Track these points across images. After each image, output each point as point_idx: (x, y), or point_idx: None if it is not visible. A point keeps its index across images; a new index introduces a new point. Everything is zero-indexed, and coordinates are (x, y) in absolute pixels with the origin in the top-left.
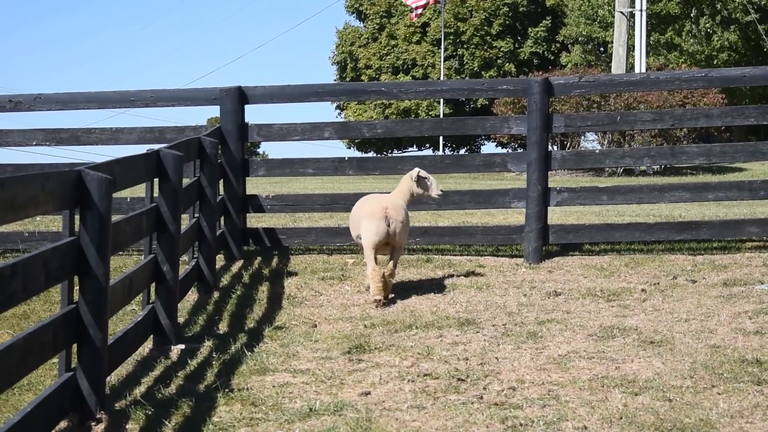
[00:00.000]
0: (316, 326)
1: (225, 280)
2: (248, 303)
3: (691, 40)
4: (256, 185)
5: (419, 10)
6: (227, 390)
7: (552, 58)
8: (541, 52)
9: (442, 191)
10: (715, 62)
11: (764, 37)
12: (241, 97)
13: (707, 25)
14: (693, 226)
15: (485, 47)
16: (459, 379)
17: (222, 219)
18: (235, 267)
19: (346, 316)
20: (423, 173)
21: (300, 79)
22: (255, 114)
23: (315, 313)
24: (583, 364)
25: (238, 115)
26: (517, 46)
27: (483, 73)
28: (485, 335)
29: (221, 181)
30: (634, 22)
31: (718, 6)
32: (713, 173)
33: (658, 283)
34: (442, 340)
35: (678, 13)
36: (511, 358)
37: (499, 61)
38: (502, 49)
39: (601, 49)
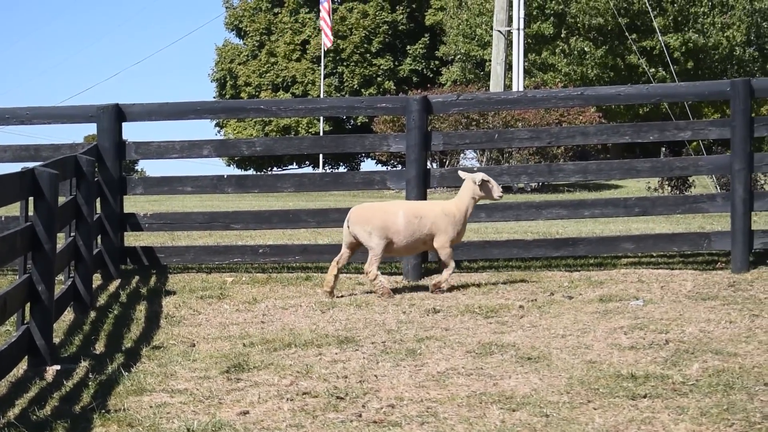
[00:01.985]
0: (194, 345)
1: (102, 300)
2: (126, 322)
3: (565, 60)
4: (134, 203)
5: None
6: (103, 411)
7: (431, 75)
8: (420, 69)
9: (502, 194)
10: (589, 81)
11: (638, 55)
12: (118, 114)
13: (579, 44)
14: (570, 243)
15: (365, 65)
16: (338, 397)
17: (99, 238)
18: (113, 286)
19: (224, 335)
20: (486, 177)
21: (179, 97)
22: (133, 131)
23: (193, 332)
24: (462, 380)
25: (116, 132)
26: (396, 63)
27: (363, 90)
28: (364, 353)
29: (98, 200)
30: (511, 41)
31: (592, 23)
32: (590, 190)
33: (536, 300)
34: (322, 358)
35: (552, 33)
36: (390, 376)
37: (378, 78)
38: (381, 67)
39: (480, 67)
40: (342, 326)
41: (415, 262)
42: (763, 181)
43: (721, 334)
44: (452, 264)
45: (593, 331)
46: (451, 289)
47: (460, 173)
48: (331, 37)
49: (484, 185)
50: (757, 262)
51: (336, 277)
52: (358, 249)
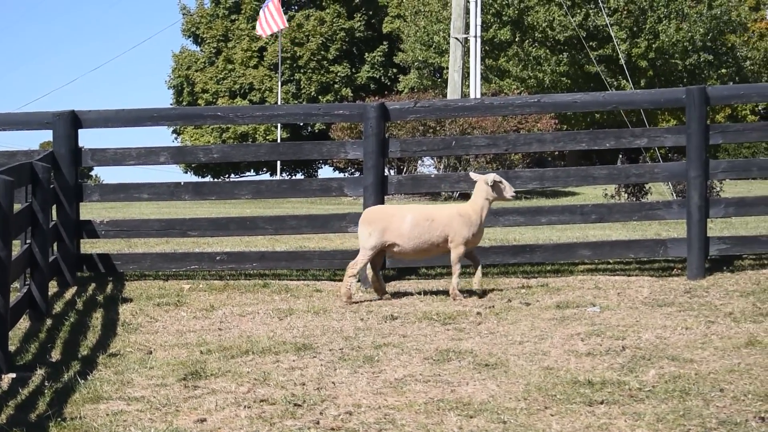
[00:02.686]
0: (151, 353)
1: (58, 307)
2: (82, 330)
3: (522, 67)
4: (90, 210)
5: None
6: (60, 419)
7: (389, 83)
8: (377, 76)
9: (515, 193)
10: (545, 88)
11: (594, 62)
12: (74, 121)
13: (535, 51)
14: (527, 250)
15: (322, 72)
16: (295, 404)
17: (55, 245)
18: (69, 294)
19: (181, 342)
20: (498, 177)
21: (136, 103)
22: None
23: (150, 340)
24: (419, 387)
25: (72, 139)
26: (354, 70)
27: (320, 97)
28: (322, 360)
29: (54, 207)
30: (468, 48)
31: (548, 32)
32: (547, 197)
33: (493, 306)
34: (279, 366)
35: (509, 39)
36: (347, 383)
37: (336, 85)
38: (339, 74)
39: (437, 74)
40: (300, 333)
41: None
42: (718, 189)
43: (677, 341)
44: (459, 268)
45: (550, 338)
46: (408, 295)
47: (472, 175)
48: (267, 30)
49: (496, 186)
50: (713, 268)
51: (376, 279)
52: (390, 249)
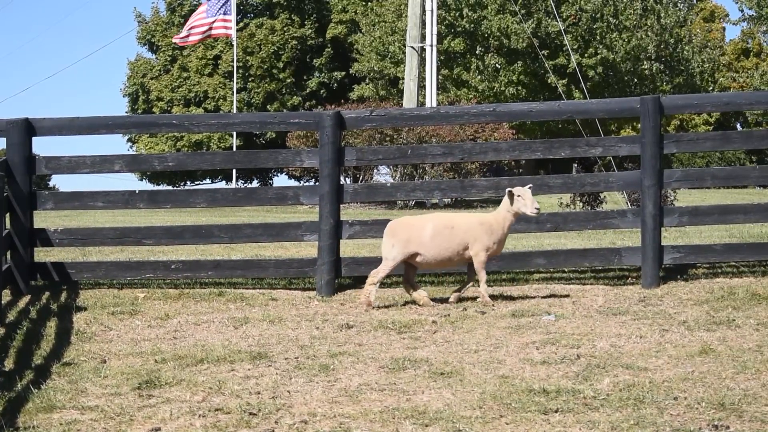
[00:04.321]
0: (105, 362)
1: (11, 316)
2: (35, 339)
3: (479, 77)
4: (44, 218)
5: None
6: (12, 429)
7: (342, 91)
8: (330, 83)
9: (537, 209)
10: (502, 98)
11: (550, 72)
12: (28, 128)
13: (492, 61)
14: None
15: (272, 80)
16: (251, 413)
17: (9, 253)
18: (22, 302)
19: (136, 351)
20: (518, 191)
21: (91, 111)
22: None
23: (104, 349)
24: (375, 396)
25: (26, 147)
26: (305, 78)
27: (269, 106)
28: (277, 369)
29: (8, 215)
30: (424, 58)
31: (503, 41)
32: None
33: (449, 315)
34: (234, 374)
35: (464, 50)
36: (303, 392)
37: (286, 94)
38: (288, 82)
39: (394, 84)
40: (255, 342)
41: (329, 277)
42: (672, 198)
43: (631, 349)
44: (484, 274)
45: (506, 346)
46: (361, 305)
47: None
48: (194, 38)
49: (514, 199)
50: (667, 277)
51: (414, 289)
52: (413, 260)
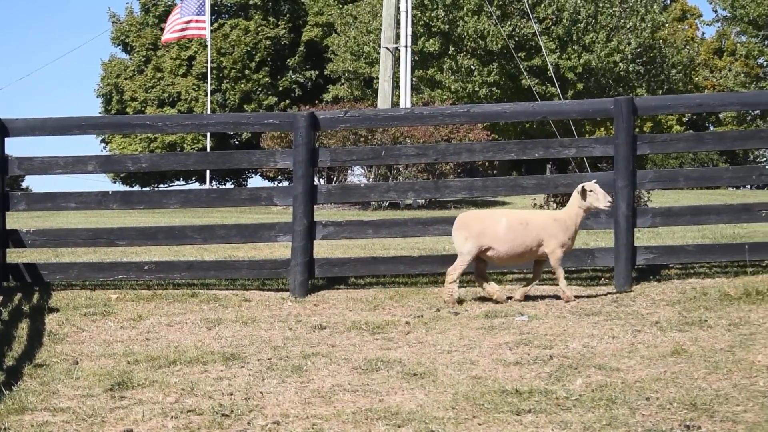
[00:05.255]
0: (77, 363)
1: None
2: (7, 340)
3: (453, 77)
4: (17, 219)
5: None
6: None
7: (317, 91)
8: (305, 84)
9: (610, 202)
10: (476, 98)
11: (525, 74)
12: (1, 129)
13: (466, 62)
14: (455, 259)
15: (246, 81)
16: (223, 415)
17: None
18: None
19: (108, 352)
20: (590, 186)
21: (65, 112)
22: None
23: (77, 350)
24: (348, 397)
25: None
26: (279, 78)
27: (245, 106)
28: (250, 370)
29: None
30: (399, 58)
31: (479, 42)
32: (477, 207)
33: (422, 316)
34: (207, 376)
35: (438, 50)
36: (276, 393)
37: (261, 94)
38: (263, 82)
39: (368, 85)
40: (228, 343)
41: (302, 278)
42: (646, 198)
43: (604, 350)
44: (561, 271)
45: (479, 347)
46: (337, 305)
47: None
48: (172, 36)
49: (585, 194)
50: (640, 278)
51: (489, 284)
52: (484, 254)
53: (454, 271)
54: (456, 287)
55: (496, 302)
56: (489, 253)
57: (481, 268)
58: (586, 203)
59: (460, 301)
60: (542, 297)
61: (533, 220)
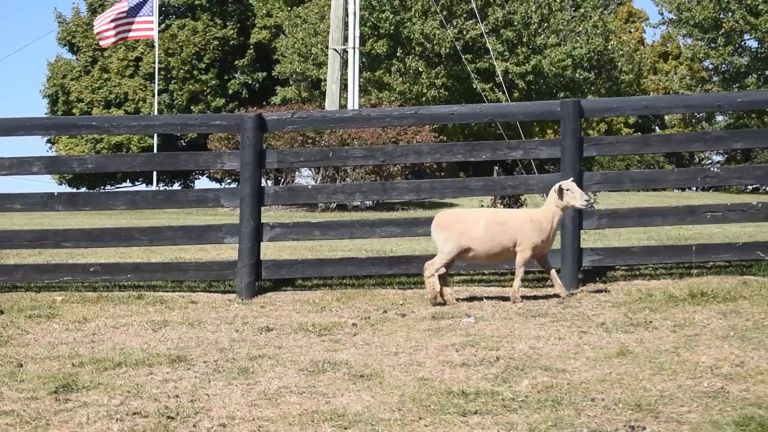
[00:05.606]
0: (21, 365)
1: None
2: None
3: (401, 79)
4: None
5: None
6: None
7: (265, 93)
8: (251, 84)
9: (587, 201)
10: (424, 101)
11: (473, 75)
12: None
13: (414, 64)
14: (403, 261)
15: (194, 82)
16: (169, 417)
17: None
18: None
19: (53, 354)
20: (567, 185)
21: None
22: None
23: (21, 353)
24: (294, 399)
25: None
26: (227, 79)
27: (192, 107)
28: (196, 372)
29: None
30: (347, 60)
31: (427, 46)
32: (425, 209)
33: (369, 317)
34: (153, 378)
35: (386, 52)
36: (222, 395)
37: (209, 96)
38: (210, 84)
39: (316, 86)
40: (174, 345)
41: (249, 280)
42: (592, 200)
43: (550, 351)
44: (522, 271)
45: (425, 349)
46: (284, 306)
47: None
48: (117, 37)
49: (562, 193)
50: (586, 279)
51: (445, 285)
52: (463, 254)
53: (431, 266)
54: (436, 280)
55: (445, 304)
56: (469, 254)
57: (445, 270)
58: (563, 202)
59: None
60: (489, 298)
61: (510, 220)
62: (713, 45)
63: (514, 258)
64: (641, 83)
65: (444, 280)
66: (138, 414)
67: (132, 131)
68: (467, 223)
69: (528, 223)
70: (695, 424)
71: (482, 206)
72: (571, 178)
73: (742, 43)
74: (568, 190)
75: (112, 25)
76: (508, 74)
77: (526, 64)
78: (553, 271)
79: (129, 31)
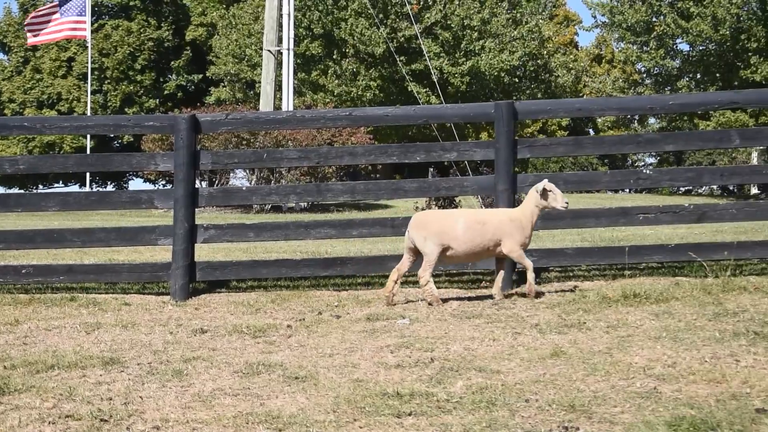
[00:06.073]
0: None
1: None
2: None
3: (336, 81)
4: None
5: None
6: None
7: (198, 93)
8: (187, 86)
9: (567, 203)
10: (360, 102)
11: (407, 77)
12: None
13: (350, 66)
14: (338, 262)
15: (128, 82)
16: (102, 420)
17: None
18: None
19: None
20: (549, 186)
21: None
22: None
23: None
24: (229, 401)
25: None
26: (162, 81)
27: (126, 108)
28: (130, 374)
29: None
30: (281, 61)
31: (359, 46)
32: (360, 210)
33: (304, 319)
34: (86, 380)
35: (321, 53)
36: (155, 397)
37: (142, 97)
38: (145, 84)
39: (250, 87)
40: (107, 347)
41: (183, 282)
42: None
43: (484, 352)
44: (529, 263)
45: (360, 350)
46: (219, 308)
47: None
48: (49, 37)
49: (545, 194)
50: (520, 281)
51: (396, 283)
52: (418, 257)
53: (424, 272)
54: (433, 284)
55: (388, 304)
56: (448, 253)
57: (405, 266)
58: (544, 202)
59: (444, 300)
60: (423, 299)
61: (490, 220)
62: (645, 48)
63: (492, 257)
64: (578, 88)
65: (399, 276)
66: (71, 417)
67: (64, 132)
68: (446, 223)
69: (509, 223)
70: (628, 424)
71: (417, 208)
72: (546, 180)
73: (674, 46)
74: (550, 191)
75: (44, 21)
76: (444, 76)
77: (463, 66)
78: (502, 273)
79: (61, 30)
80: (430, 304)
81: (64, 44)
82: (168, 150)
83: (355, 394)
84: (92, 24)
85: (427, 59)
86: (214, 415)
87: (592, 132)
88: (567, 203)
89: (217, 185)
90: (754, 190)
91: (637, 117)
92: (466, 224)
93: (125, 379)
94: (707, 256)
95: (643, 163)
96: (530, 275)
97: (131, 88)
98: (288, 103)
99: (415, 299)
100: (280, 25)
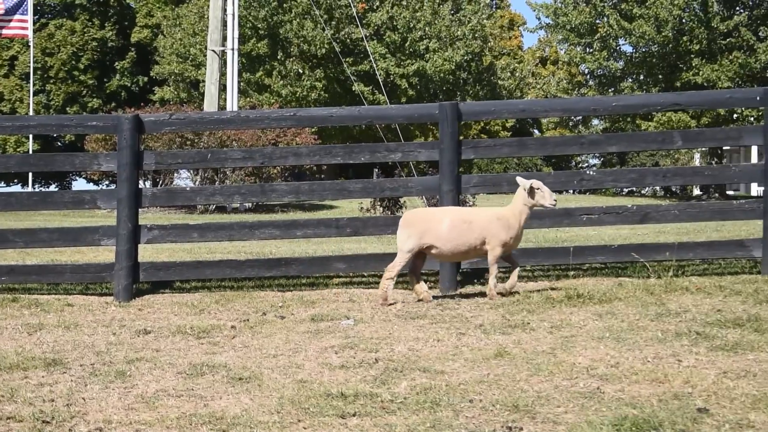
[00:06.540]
0: None
1: None
2: None
3: (281, 81)
4: None
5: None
6: None
7: (145, 94)
8: (130, 86)
9: (555, 200)
10: (305, 103)
11: (352, 78)
12: None
13: (294, 66)
14: (283, 263)
15: (71, 82)
16: (44, 421)
17: None
18: None
19: None
20: (537, 184)
21: None
22: None
23: None
24: (172, 402)
25: None
26: (105, 81)
27: (69, 108)
28: (73, 375)
29: None
30: (226, 61)
31: (303, 46)
32: (305, 211)
33: (248, 320)
34: (28, 382)
35: (267, 53)
36: (98, 399)
37: (86, 96)
38: (88, 84)
39: (195, 87)
40: (50, 348)
41: (126, 282)
42: (471, 202)
43: (429, 353)
44: (496, 269)
45: (304, 351)
46: (162, 309)
47: (518, 179)
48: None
49: (533, 192)
50: (463, 281)
51: (419, 283)
52: (428, 252)
53: (392, 269)
54: (392, 285)
55: (420, 301)
56: (433, 252)
57: (418, 266)
58: (532, 200)
59: (392, 303)
60: (368, 300)
61: (476, 219)
62: (589, 50)
63: (481, 256)
64: (523, 90)
65: (417, 276)
66: (12, 419)
67: (6, 132)
68: (432, 222)
69: (495, 222)
70: (571, 424)
71: (362, 209)
72: (534, 179)
73: (617, 47)
74: (538, 189)
75: None
76: (390, 75)
77: (409, 67)
78: (518, 269)
79: (2, 29)
80: (381, 303)
81: (5, 43)
82: (111, 150)
83: (300, 395)
84: (35, 23)
85: (373, 61)
86: (157, 416)
87: (537, 133)
88: (555, 201)
89: (161, 185)
90: (696, 191)
91: (580, 118)
92: (452, 223)
93: (68, 381)
94: (650, 257)
95: (587, 165)
96: (492, 281)
97: (74, 87)
98: (233, 103)
99: (359, 300)
100: (225, 25)
